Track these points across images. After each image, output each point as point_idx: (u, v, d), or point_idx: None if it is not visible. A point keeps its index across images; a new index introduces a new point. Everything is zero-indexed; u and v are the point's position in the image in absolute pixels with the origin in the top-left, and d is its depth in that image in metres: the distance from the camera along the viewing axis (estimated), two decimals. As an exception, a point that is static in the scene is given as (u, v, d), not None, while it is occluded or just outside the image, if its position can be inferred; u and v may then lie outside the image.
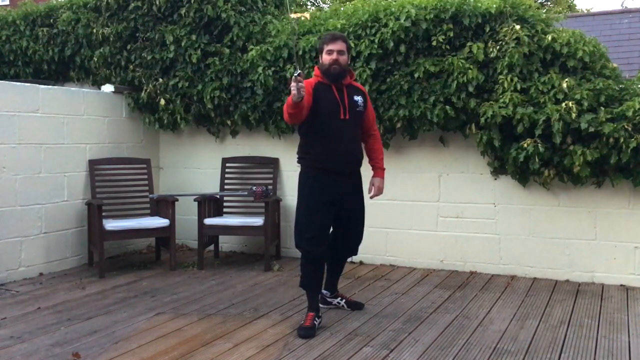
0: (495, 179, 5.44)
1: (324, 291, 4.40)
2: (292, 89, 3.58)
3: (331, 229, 4.14)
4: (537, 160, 4.91)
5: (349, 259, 5.29)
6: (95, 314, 4.32)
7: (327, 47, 3.99)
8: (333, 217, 4.06)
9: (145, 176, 6.23)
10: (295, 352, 3.58)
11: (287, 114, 3.80)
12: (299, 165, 4.14)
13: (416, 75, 5.29)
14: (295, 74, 3.54)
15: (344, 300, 4.44)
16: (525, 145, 4.92)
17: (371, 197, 4.36)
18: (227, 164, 6.33)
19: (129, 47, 6.46)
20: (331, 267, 4.37)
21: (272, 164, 6.23)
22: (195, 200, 5.79)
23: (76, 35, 6.74)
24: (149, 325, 4.07)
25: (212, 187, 6.44)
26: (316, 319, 3.97)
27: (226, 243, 6.54)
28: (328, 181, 3.98)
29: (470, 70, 5.10)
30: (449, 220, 5.61)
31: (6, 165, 5.27)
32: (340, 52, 3.97)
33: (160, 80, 6.30)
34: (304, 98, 3.65)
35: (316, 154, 4.00)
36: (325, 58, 3.99)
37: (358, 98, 4.08)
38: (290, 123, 4.09)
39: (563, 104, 4.81)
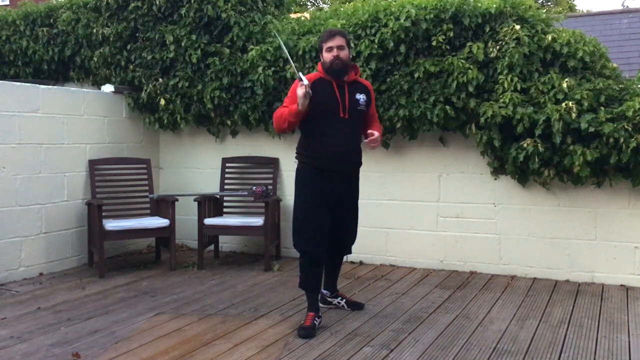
0: (495, 179, 5.44)
1: (324, 291, 4.39)
2: (299, 94, 3.67)
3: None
4: (537, 160, 4.91)
5: (349, 259, 5.30)
6: (95, 314, 4.32)
7: (326, 45, 3.94)
8: (330, 216, 4.02)
9: (145, 176, 6.23)
10: (295, 352, 3.58)
11: (286, 123, 3.84)
12: (296, 161, 4.11)
13: (416, 75, 5.29)
14: (305, 83, 3.64)
15: (344, 300, 4.42)
16: (525, 145, 4.92)
17: (369, 141, 4.01)
18: (227, 164, 6.33)
19: (129, 47, 6.46)
20: (328, 266, 4.33)
21: (272, 164, 6.23)
22: (195, 200, 5.79)
23: (76, 35, 6.75)
24: (149, 325, 4.07)
25: (212, 187, 6.44)
26: (316, 319, 3.96)
27: (226, 243, 6.54)
28: (324, 180, 3.94)
29: (470, 70, 5.10)
30: (449, 220, 5.61)
31: (6, 165, 5.27)
32: (340, 48, 3.91)
33: (160, 80, 6.30)
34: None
35: (312, 152, 3.96)
36: (326, 56, 3.93)
37: (360, 96, 4.01)
38: (281, 132, 4.06)
39: (563, 104, 4.81)
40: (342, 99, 3.92)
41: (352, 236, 4.26)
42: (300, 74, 3.83)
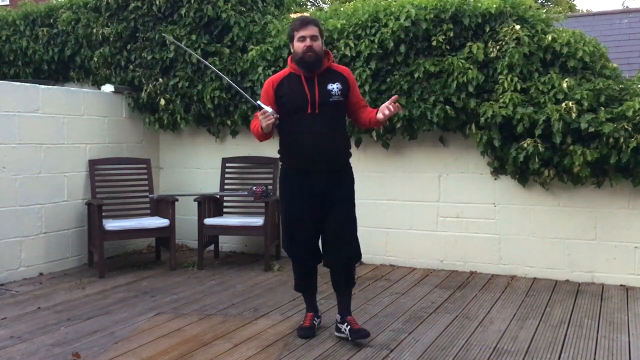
0: (495, 179, 5.44)
1: (337, 315, 3.88)
2: (261, 122, 3.58)
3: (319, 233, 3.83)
4: (537, 160, 4.91)
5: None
6: (95, 314, 4.32)
7: (298, 34, 3.63)
8: (313, 219, 3.72)
9: (145, 176, 6.23)
10: (295, 352, 3.58)
11: (260, 138, 3.75)
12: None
13: (416, 75, 5.29)
14: (262, 111, 3.55)
15: (348, 327, 3.73)
16: (525, 145, 4.92)
17: (385, 115, 3.61)
18: (227, 164, 6.33)
19: (129, 47, 6.46)
20: (332, 281, 3.90)
21: (272, 164, 6.23)
22: (195, 200, 5.79)
23: (76, 35, 6.75)
24: (149, 325, 4.07)
25: (212, 187, 6.44)
26: (315, 318, 3.95)
27: (226, 243, 6.54)
28: (303, 181, 3.70)
29: (470, 70, 5.10)
30: (449, 220, 5.61)
31: (6, 165, 5.27)
32: (313, 38, 3.60)
33: (160, 80, 6.30)
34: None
35: (287, 153, 3.77)
36: (298, 46, 3.63)
37: (333, 86, 3.67)
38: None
39: (563, 104, 4.81)
40: (312, 94, 3.63)
41: (344, 244, 3.72)
42: (260, 102, 3.63)
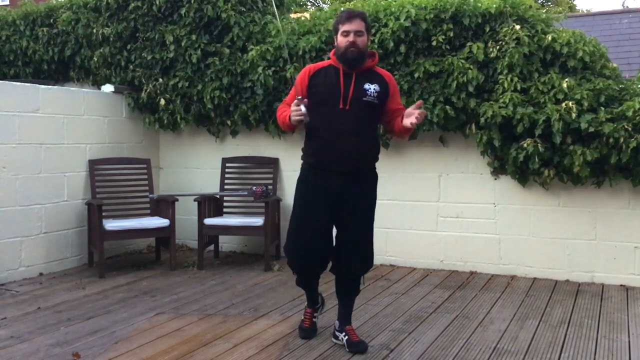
0: (495, 179, 5.44)
1: (336, 321, 3.80)
2: (291, 113, 3.39)
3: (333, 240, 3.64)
4: (537, 160, 4.91)
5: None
6: (95, 314, 4.32)
7: (342, 28, 3.45)
8: (327, 227, 3.55)
9: (145, 176, 6.23)
10: (295, 352, 3.58)
11: (284, 127, 3.60)
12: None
13: (416, 75, 5.29)
14: (298, 106, 3.37)
15: (346, 338, 3.63)
16: (525, 145, 4.92)
17: (412, 124, 3.35)
18: (227, 164, 6.33)
19: (129, 47, 6.46)
20: (336, 288, 3.79)
21: (272, 164, 6.23)
22: (195, 200, 5.79)
23: (76, 35, 6.75)
24: (149, 325, 4.07)
25: (212, 187, 6.44)
26: (315, 314, 3.89)
27: (226, 243, 6.54)
28: (322, 182, 3.50)
29: (470, 70, 5.10)
30: (449, 220, 5.61)
31: (6, 165, 5.27)
32: (358, 33, 3.42)
33: (160, 80, 6.30)
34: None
35: (311, 149, 3.56)
36: (341, 40, 3.45)
37: (371, 86, 3.47)
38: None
39: (563, 104, 4.81)
40: (346, 88, 3.44)
41: (358, 255, 3.58)
42: (301, 98, 3.42)
